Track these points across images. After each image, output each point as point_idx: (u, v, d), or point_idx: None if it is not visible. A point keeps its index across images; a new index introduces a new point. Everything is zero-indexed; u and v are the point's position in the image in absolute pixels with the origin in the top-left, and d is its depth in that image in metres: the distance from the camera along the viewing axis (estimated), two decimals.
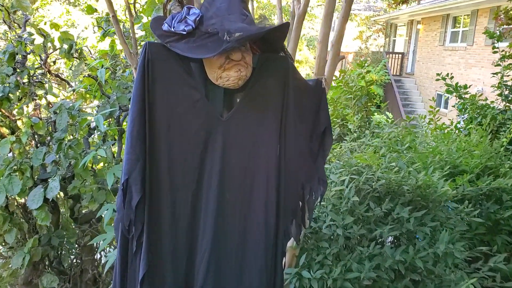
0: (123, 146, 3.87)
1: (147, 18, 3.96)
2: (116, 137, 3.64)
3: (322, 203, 2.56)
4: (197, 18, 1.61)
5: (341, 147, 2.99)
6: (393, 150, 2.95)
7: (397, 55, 19.17)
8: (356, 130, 4.09)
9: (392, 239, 2.66)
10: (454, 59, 15.01)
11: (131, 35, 2.10)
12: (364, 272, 2.24)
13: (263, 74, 1.74)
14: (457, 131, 4.62)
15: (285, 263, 1.98)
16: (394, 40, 21.38)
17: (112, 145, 3.56)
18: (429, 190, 2.53)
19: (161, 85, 1.64)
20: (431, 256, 2.33)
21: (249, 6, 2.14)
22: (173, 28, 1.60)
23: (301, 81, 1.88)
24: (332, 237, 2.45)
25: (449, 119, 5.10)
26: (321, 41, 2.10)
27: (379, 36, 24.79)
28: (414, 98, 16.99)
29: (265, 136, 1.77)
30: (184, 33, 1.59)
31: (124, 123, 3.74)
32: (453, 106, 5.09)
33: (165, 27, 1.62)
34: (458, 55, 14.81)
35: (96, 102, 3.75)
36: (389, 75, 16.44)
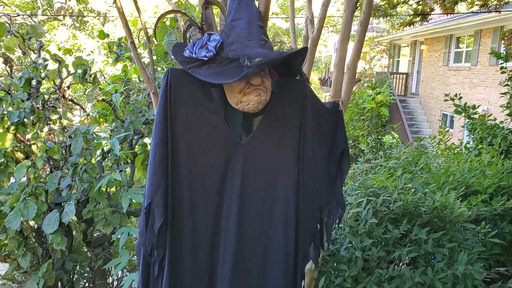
0: (136, 169, 3.93)
1: (159, 42, 4.04)
2: (129, 160, 3.66)
3: (339, 225, 2.56)
4: (218, 44, 1.64)
5: (354, 169, 3.00)
6: (407, 171, 2.95)
7: (401, 75, 19.28)
8: (369, 151, 4.10)
9: (410, 260, 2.64)
10: (459, 79, 15.08)
11: (149, 59, 2.14)
12: None
13: (281, 97, 1.76)
14: (466, 151, 4.63)
15: (304, 286, 1.97)
16: (398, 61, 21.52)
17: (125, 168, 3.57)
18: (445, 211, 2.52)
19: (183, 110, 1.66)
20: (450, 278, 2.32)
21: None
22: (195, 54, 1.62)
23: (318, 104, 1.89)
24: (350, 259, 2.44)
25: (458, 139, 5.11)
26: (337, 65, 2.13)
27: (382, 56, 24.96)
28: (420, 118, 17.01)
29: (284, 159, 1.78)
30: (206, 59, 1.61)
31: (137, 147, 3.78)
32: (463, 127, 5.09)
33: (186, 53, 1.64)
34: (462, 75, 14.88)
35: (109, 126, 3.78)
36: (394, 95, 16.51)
